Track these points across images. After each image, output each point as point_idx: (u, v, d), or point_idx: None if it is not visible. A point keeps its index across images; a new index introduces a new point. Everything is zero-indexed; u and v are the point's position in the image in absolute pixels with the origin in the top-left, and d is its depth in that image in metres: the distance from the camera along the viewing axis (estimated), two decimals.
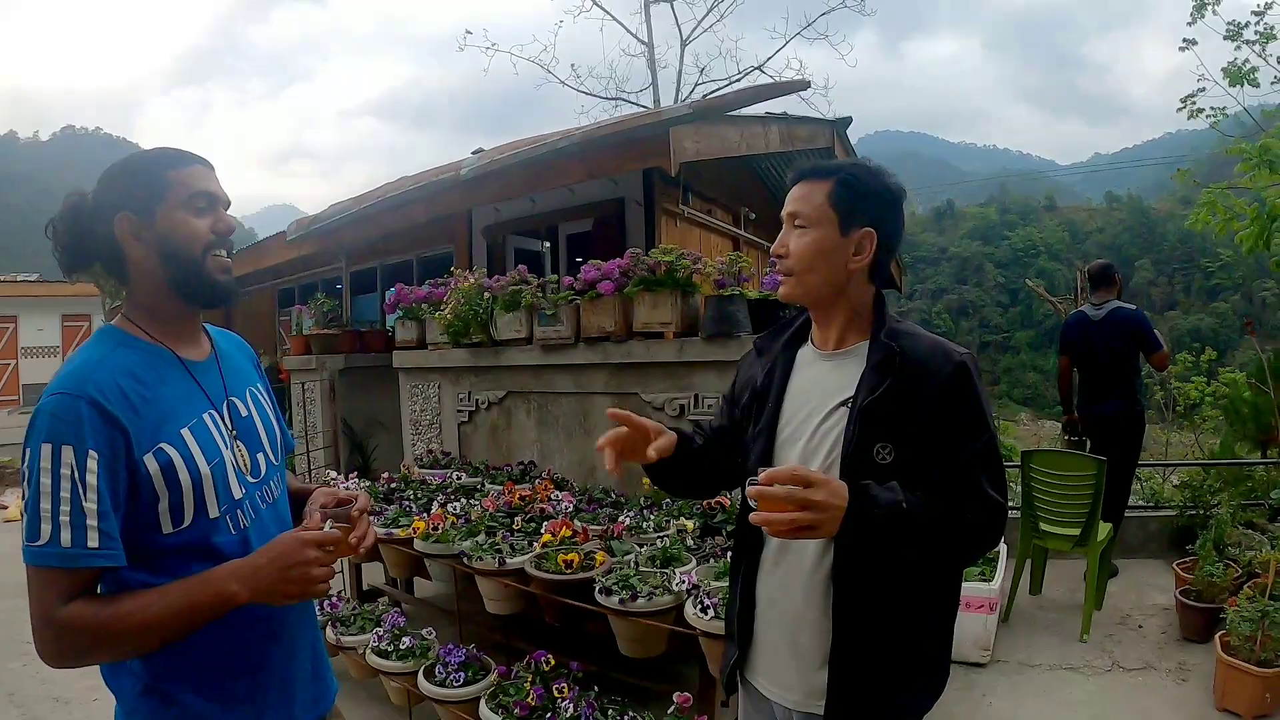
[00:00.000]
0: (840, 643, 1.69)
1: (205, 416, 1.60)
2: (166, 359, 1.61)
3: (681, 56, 19.97)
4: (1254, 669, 3.75)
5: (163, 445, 1.49)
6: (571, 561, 3.55)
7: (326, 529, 1.55)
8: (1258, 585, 4.22)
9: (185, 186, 1.60)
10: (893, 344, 1.71)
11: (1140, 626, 4.99)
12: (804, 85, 8.54)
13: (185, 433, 1.54)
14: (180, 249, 1.58)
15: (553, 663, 3.51)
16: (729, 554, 3.65)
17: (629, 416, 1.84)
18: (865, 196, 1.74)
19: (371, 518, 4.49)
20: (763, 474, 1.53)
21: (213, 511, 1.55)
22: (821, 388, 1.81)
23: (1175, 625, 4.87)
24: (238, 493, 1.61)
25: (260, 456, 1.72)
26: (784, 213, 1.82)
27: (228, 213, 1.67)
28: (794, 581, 1.78)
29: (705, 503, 4.33)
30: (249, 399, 1.76)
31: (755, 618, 1.88)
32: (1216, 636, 4.06)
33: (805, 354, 1.91)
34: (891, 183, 1.78)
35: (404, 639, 3.93)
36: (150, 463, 1.46)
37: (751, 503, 1.55)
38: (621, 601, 3.25)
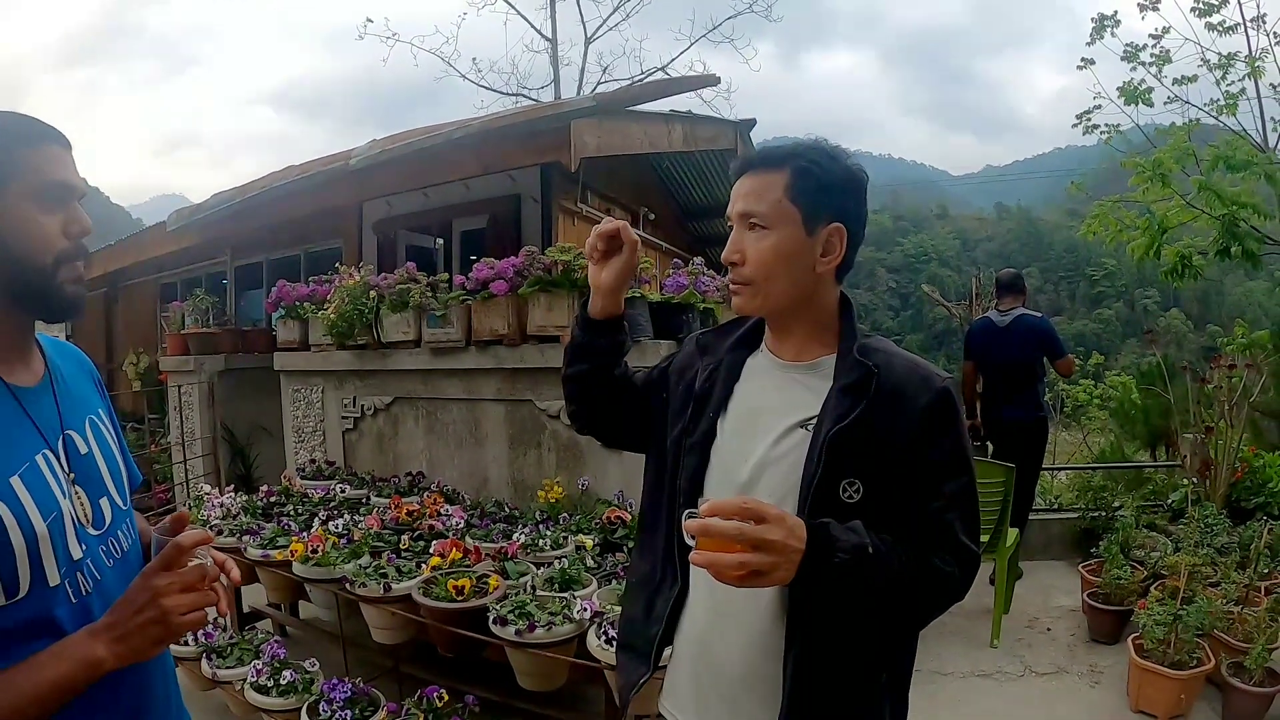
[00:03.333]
0: (794, 708, 1.43)
1: (39, 458, 1.25)
2: None
3: (585, 55, 19.85)
4: (1169, 671, 3.78)
5: None
6: (463, 587, 3.30)
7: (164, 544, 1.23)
8: (1166, 588, 4.24)
9: (38, 173, 1.24)
10: (867, 362, 1.46)
11: (1049, 629, 5.00)
12: (714, 80, 8.45)
13: (15, 481, 1.19)
14: (26, 254, 1.24)
15: (446, 698, 3.25)
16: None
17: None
18: (828, 186, 1.47)
19: (248, 538, 4.18)
20: (704, 504, 1.26)
21: (52, 578, 1.21)
22: (775, 402, 1.54)
23: (1083, 627, 4.90)
24: (77, 552, 1.27)
25: (104, 502, 1.37)
26: (733, 211, 1.53)
27: (81, 206, 1.31)
28: (735, 627, 1.52)
29: (605, 517, 4.13)
30: (89, 430, 1.40)
31: (675, 647, 1.63)
32: (1129, 639, 4.08)
33: (759, 360, 1.63)
34: (853, 165, 1.52)
35: (285, 672, 3.57)
36: None
37: (689, 539, 1.26)
38: (518, 632, 3.02)
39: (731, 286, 1.56)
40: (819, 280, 1.52)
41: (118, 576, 1.32)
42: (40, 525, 1.19)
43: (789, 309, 1.54)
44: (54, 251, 1.26)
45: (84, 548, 1.28)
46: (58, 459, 1.29)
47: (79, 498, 1.31)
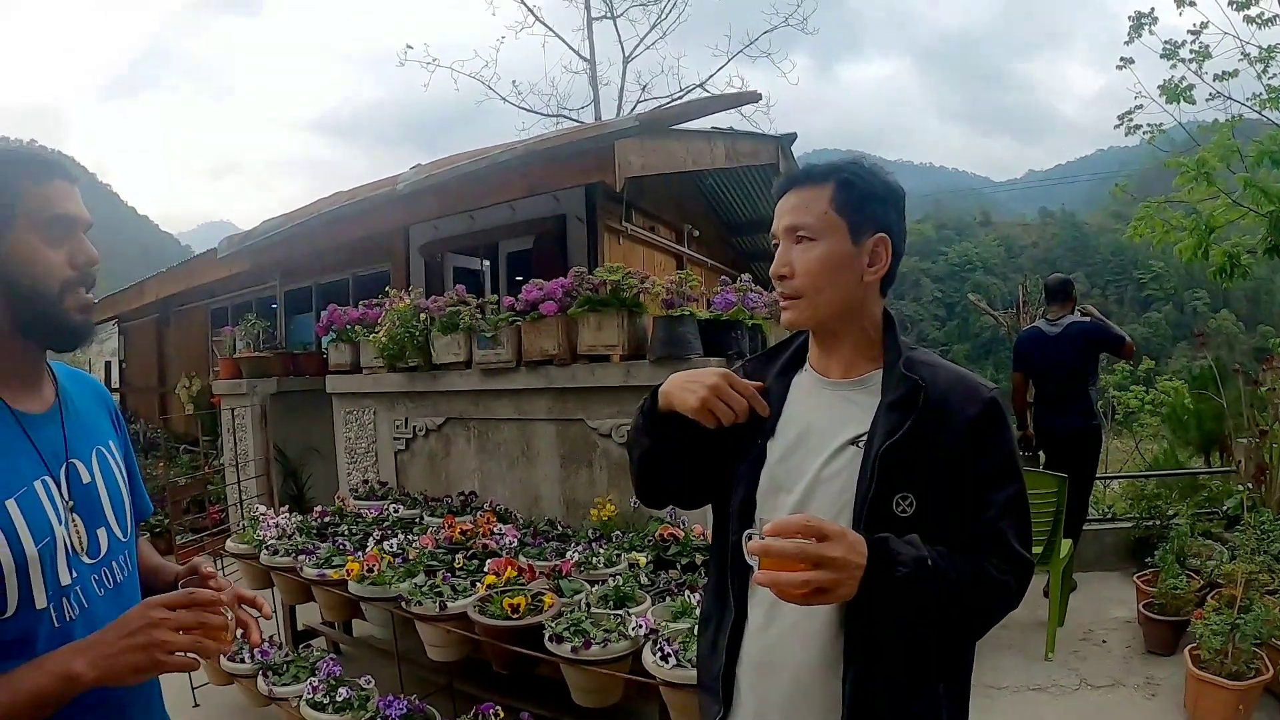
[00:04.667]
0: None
1: (37, 484, 1.31)
2: None
3: (624, 74, 19.90)
4: (1227, 682, 3.71)
5: None
6: (518, 605, 3.32)
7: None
8: (1223, 596, 4.17)
9: (44, 207, 1.31)
10: (914, 376, 1.48)
11: (1104, 641, 4.92)
12: (755, 97, 8.46)
13: (10, 505, 1.25)
14: (33, 285, 1.30)
15: (501, 714, 3.28)
16: (685, 590, 3.48)
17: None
18: (871, 198, 1.52)
19: (303, 557, 4.25)
20: (767, 524, 1.28)
21: (39, 601, 1.26)
22: (824, 422, 1.56)
23: (1139, 638, 4.81)
24: (66, 578, 1.31)
25: (101, 532, 1.41)
26: (779, 227, 1.56)
27: (87, 237, 1.38)
28: (793, 646, 1.52)
29: (658, 535, 4.14)
30: (95, 460, 1.45)
31: (737, 675, 1.61)
32: (1186, 650, 4.00)
33: (804, 380, 1.64)
34: (892, 180, 1.56)
35: (340, 689, 3.63)
36: None
37: (750, 560, 1.29)
38: (574, 649, 3.04)
39: (781, 302, 1.58)
40: (866, 291, 1.54)
41: (108, 606, 1.37)
42: (31, 548, 1.25)
43: (837, 321, 1.56)
44: (59, 281, 1.33)
45: (74, 574, 1.33)
46: (58, 486, 1.35)
47: (75, 525, 1.35)
